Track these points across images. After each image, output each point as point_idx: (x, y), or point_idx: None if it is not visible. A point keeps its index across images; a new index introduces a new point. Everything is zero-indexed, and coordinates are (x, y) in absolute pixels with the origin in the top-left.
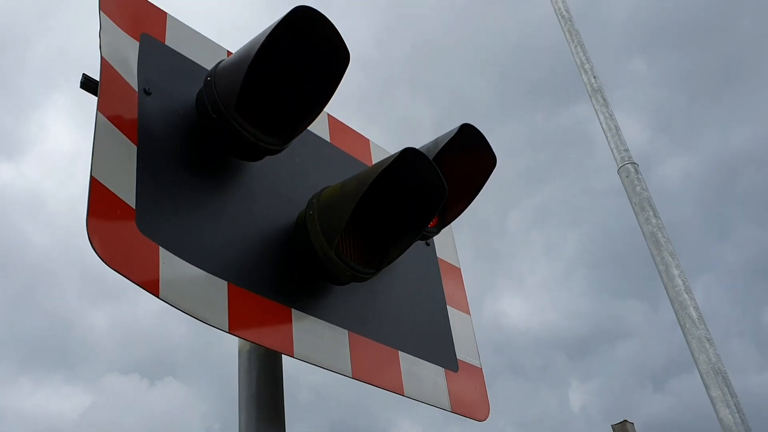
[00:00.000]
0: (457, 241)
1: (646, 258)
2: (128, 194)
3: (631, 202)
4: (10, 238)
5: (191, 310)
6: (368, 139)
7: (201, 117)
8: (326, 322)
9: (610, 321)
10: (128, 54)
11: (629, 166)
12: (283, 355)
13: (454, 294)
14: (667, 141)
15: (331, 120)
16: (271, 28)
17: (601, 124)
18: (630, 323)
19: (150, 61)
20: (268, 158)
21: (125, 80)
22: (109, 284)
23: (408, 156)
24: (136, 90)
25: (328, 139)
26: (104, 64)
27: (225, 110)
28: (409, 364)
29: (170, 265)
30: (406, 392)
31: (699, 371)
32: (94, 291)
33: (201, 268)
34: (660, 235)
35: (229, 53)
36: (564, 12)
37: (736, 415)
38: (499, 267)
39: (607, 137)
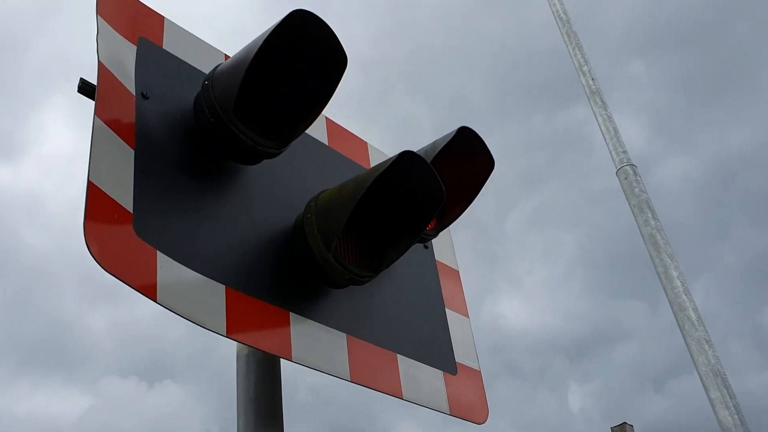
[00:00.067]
0: (456, 244)
1: (645, 259)
2: (126, 198)
3: (629, 204)
4: (8, 240)
5: (189, 314)
6: (366, 142)
7: (198, 121)
8: (324, 326)
9: (609, 322)
10: (126, 58)
11: (628, 167)
12: (281, 359)
13: (453, 297)
14: (666, 142)
15: (329, 123)
16: (268, 32)
17: (599, 126)
18: (629, 325)
19: (147, 65)
20: (265, 162)
21: (123, 84)
22: (106, 286)
23: (406, 159)
24: (134, 94)
25: (326, 142)
26: (101, 68)
27: (223, 114)
28: (407, 367)
29: (168, 269)
30: (404, 395)
31: (698, 373)
32: (92, 293)
33: (199, 272)
34: (659, 236)
35: (226, 57)
36: (562, 14)
37: (736, 416)
38: (498, 269)
39: (605, 139)
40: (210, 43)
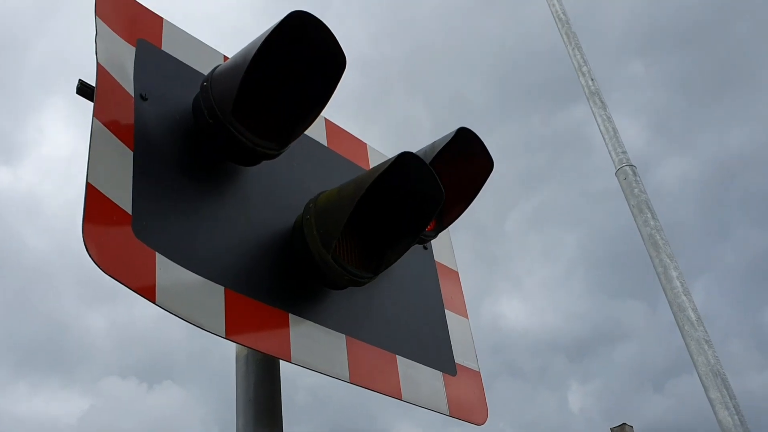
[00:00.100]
0: (456, 244)
1: (645, 260)
2: (124, 200)
3: (629, 204)
4: (8, 241)
5: (188, 315)
6: (365, 143)
7: (197, 122)
8: (324, 327)
9: (609, 322)
10: (124, 59)
11: (627, 168)
12: (280, 360)
13: (452, 298)
14: (665, 143)
15: (328, 124)
16: (267, 33)
17: (599, 126)
18: (629, 325)
19: (146, 66)
20: (264, 163)
21: (121, 86)
22: (106, 287)
23: (405, 160)
24: (133, 95)
25: (325, 143)
26: (100, 69)
27: (221, 115)
28: (406, 368)
29: (167, 270)
30: (404, 396)
31: (698, 373)
32: (90, 294)
33: (198, 274)
34: (658, 237)
35: (225, 58)
36: (561, 15)
37: (735, 416)
38: (498, 269)
39: (605, 139)
40: (210, 43)
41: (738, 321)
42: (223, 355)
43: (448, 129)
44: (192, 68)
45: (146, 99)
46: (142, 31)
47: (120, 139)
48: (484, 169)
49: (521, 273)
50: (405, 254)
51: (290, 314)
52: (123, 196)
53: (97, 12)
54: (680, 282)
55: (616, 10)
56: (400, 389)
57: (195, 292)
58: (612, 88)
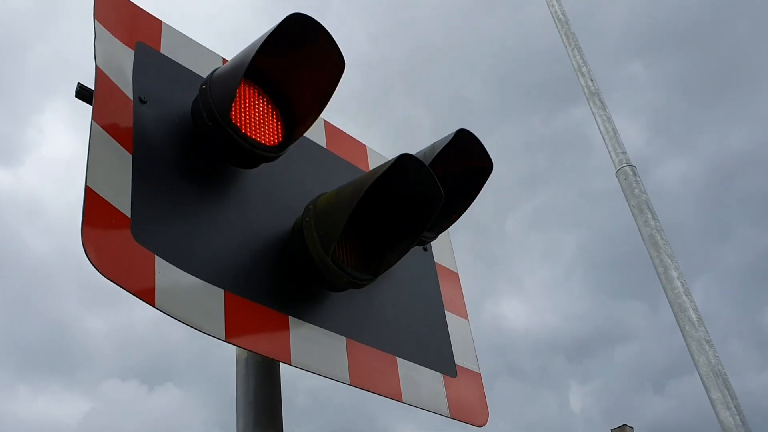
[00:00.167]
0: (456, 245)
1: (645, 260)
2: (123, 203)
3: (629, 205)
4: (8, 243)
5: (187, 318)
6: (365, 145)
7: (196, 125)
8: (323, 329)
9: (610, 323)
10: (123, 63)
11: (627, 168)
12: (280, 363)
13: (452, 299)
14: (665, 143)
15: (328, 126)
16: (266, 36)
17: (598, 126)
18: (629, 325)
19: (145, 69)
20: (264, 165)
21: (120, 89)
22: (106, 289)
23: (404, 162)
24: (132, 99)
25: (324, 145)
26: (99, 73)
27: (220, 118)
28: (407, 370)
29: (166, 273)
30: (404, 399)
31: (699, 373)
32: (91, 296)
33: (197, 277)
34: (659, 237)
35: (224, 61)
36: (561, 15)
37: (737, 417)
38: (498, 270)
39: (604, 140)
40: (209, 44)
41: (737, 321)
42: (224, 357)
43: (448, 129)
44: (191, 71)
45: (145, 102)
46: (140, 34)
47: (119, 143)
48: (483, 171)
49: (521, 273)
50: (405, 256)
51: (290, 317)
52: (122, 200)
53: (96, 15)
54: (681, 282)
55: (616, 10)
56: (400, 391)
57: (194, 295)
58: (612, 89)
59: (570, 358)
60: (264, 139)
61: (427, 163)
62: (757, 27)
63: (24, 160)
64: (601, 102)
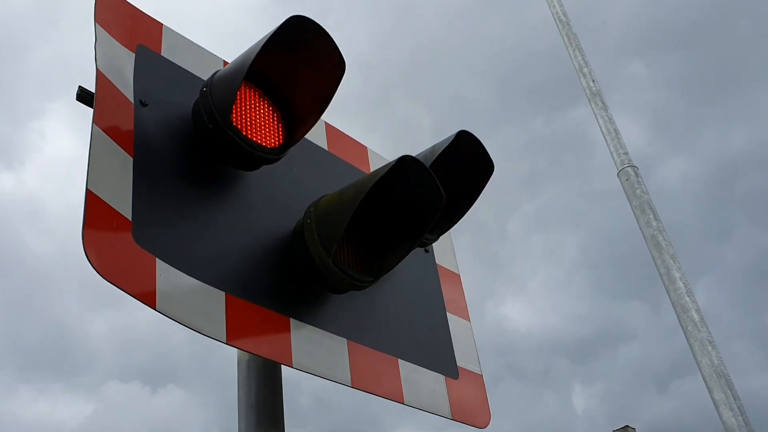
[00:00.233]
0: (457, 247)
1: (647, 261)
2: (124, 206)
3: (631, 206)
4: (10, 244)
5: (188, 321)
6: (366, 147)
7: (197, 127)
8: (325, 331)
9: (612, 324)
10: (124, 65)
11: (629, 169)
12: (282, 365)
13: (454, 300)
14: (666, 143)
15: (329, 128)
16: (266, 38)
17: (600, 127)
18: (632, 326)
19: (146, 72)
20: (265, 167)
21: (121, 92)
22: (108, 291)
23: (405, 163)
24: (132, 101)
25: (325, 147)
26: (100, 76)
27: (221, 120)
28: (408, 371)
29: (167, 276)
30: (406, 400)
31: (702, 374)
32: (93, 297)
33: (198, 279)
34: (661, 237)
35: (225, 63)
36: (562, 16)
37: (740, 417)
38: (501, 271)
39: (606, 140)
40: (209, 44)
41: (740, 322)
42: (226, 359)
43: (449, 130)
44: (192, 74)
45: (146, 105)
46: (141, 37)
47: (120, 145)
48: (484, 172)
49: (523, 274)
50: (406, 257)
51: (291, 319)
52: (123, 203)
53: (97, 18)
54: (683, 283)
55: (616, 10)
56: (402, 393)
57: (195, 298)
58: (613, 89)
59: (572, 359)
60: (265, 141)
61: (427, 165)
62: (758, 27)
63: (25, 161)
64: (603, 103)
